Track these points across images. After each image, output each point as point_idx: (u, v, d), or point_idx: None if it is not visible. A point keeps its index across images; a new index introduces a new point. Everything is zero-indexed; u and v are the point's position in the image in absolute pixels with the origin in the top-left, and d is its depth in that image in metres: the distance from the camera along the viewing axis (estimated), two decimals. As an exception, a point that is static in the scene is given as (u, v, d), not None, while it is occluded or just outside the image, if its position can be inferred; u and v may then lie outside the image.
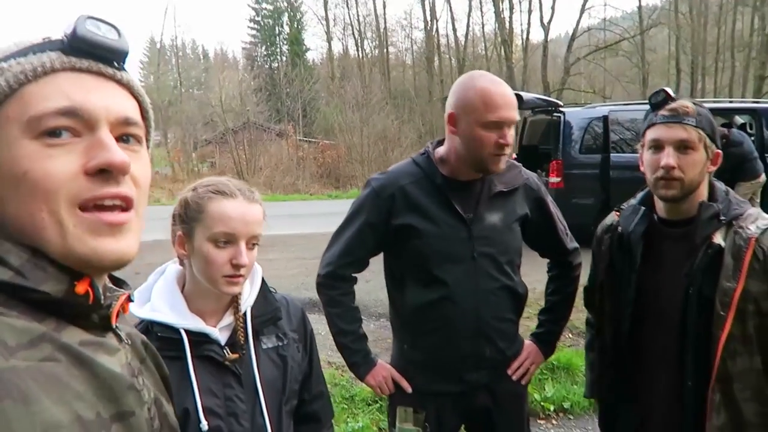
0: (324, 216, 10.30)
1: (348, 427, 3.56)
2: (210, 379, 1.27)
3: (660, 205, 1.67)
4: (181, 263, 1.36)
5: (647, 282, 1.66)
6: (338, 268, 1.91)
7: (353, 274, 1.96)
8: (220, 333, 1.31)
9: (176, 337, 1.25)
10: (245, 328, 1.33)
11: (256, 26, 41.63)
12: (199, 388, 1.24)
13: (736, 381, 1.51)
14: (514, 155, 9.54)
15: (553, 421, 3.92)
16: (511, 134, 1.74)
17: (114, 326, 0.69)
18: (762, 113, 8.22)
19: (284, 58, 38.29)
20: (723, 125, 8.31)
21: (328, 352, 4.33)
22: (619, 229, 1.75)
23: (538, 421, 3.90)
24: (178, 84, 32.69)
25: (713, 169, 1.61)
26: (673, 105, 1.57)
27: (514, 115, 1.73)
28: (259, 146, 22.98)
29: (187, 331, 1.26)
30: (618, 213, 1.80)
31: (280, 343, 1.39)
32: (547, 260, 2.15)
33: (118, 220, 0.63)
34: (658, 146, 1.58)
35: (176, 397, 1.18)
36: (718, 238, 1.53)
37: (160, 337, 1.24)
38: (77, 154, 0.61)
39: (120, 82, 0.66)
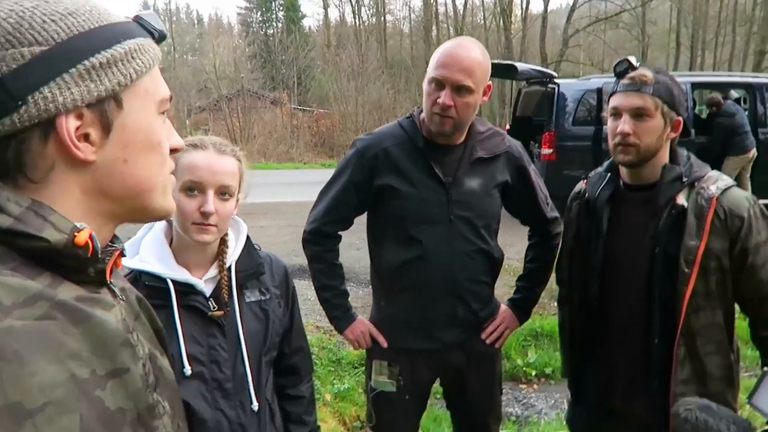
0: (317, 184, 10.16)
1: (334, 389, 3.65)
2: (194, 328, 1.33)
3: (624, 171, 1.72)
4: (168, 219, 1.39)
5: (614, 246, 1.71)
6: (323, 225, 1.96)
7: (338, 232, 2.01)
8: (205, 285, 1.37)
9: (163, 287, 1.31)
10: (229, 282, 1.39)
11: (251, -9, 40.87)
12: (183, 336, 1.29)
13: (699, 335, 1.58)
14: (507, 126, 9.54)
15: (535, 386, 4.02)
16: (463, 99, 1.72)
17: (109, 281, 0.71)
18: (757, 88, 8.19)
19: (280, 25, 37.72)
20: (722, 98, 8.30)
21: (316, 317, 4.41)
22: (586, 195, 1.79)
23: (520, 385, 4.01)
24: (172, 49, 32.22)
25: (674, 136, 1.64)
26: (632, 74, 1.61)
27: (460, 78, 1.70)
28: (253, 114, 22.76)
29: (173, 281, 1.32)
30: (586, 181, 1.84)
31: (263, 298, 1.45)
32: (528, 228, 2.20)
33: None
34: (616, 114, 1.63)
35: None
36: (681, 199, 1.58)
37: (147, 286, 1.29)
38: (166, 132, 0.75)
39: None
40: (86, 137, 0.64)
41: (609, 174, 1.76)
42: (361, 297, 4.88)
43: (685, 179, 1.59)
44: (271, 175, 13.62)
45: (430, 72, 1.75)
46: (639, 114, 1.59)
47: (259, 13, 40.51)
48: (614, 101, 1.64)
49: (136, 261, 1.33)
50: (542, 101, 8.62)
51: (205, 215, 1.30)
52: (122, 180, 0.69)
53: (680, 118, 1.62)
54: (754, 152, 7.47)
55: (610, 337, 1.78)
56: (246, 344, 1.37)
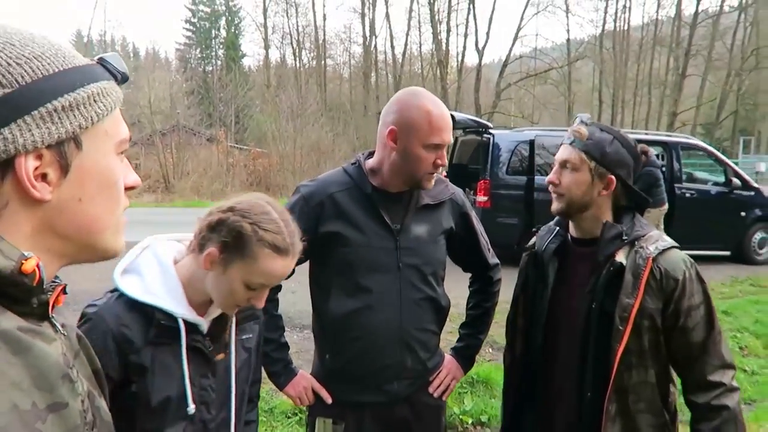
0: (252, 224, 10.09)
1: (266, 440, 3.49)
2: (192, 368, 1.30)
3: (571, 225, 1.78)
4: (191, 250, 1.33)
5: (558, 298, 1.75)
6: None
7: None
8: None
9: (175, 326, 1.27)
10: (230, 332, 1.39)
11: (191, 28, 40.64)
12: (190, 377, 1.27)
13: (631, 392, 1.60)
14: (444, 173, 9.75)
15: (471, 434, 3.99)
16: (445, 154, 1.81)
17: (51, 316, 0.71)
18: (672, 146, 8.81)
19: (219, 63, 37.54)
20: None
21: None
22: (535, 247, 1.83)
23: (456, 433, 3.97)
24: (105, 81, 31.22)
25: (606, 193, 1.68)
26: (571, 128, 1.71)
27: (451, 136, 1.81)
28: (188, 150, 22.30)
29: (184, 321, 1.28)
30: (536, 234, 1.89)
31: (247, 336, 1.46)
32: (469, 275, 2.22)
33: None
34: (556, 164, 1.72)
35: (159, 383, 1.23)
36: (621, 257, 1.62)
37: (161, 325, 1.25)
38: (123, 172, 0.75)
39: None
40: (44, 176, 0.65)
41: (558, 228, 1.81)
42: (296, 342, 4.76)
43: (625, 237, 1.64)
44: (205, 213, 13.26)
45: (428, 138, 1.74)
46: (565, 165, 1.68)
47: (198, 50, 40.21)
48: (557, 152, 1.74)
49: (141, 291, 1.26)
50: (477, 150, 8.91)
51: (253, 306, 1.36)
52: (75, 218, 0.69)
53: (612, 177, 1.66)
54: (666, 206, 7.92)
55: (549, 388, 1.79)
56: (235, 383, 1.37)
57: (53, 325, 0.71)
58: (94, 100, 0.68)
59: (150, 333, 1.24)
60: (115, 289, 1.28)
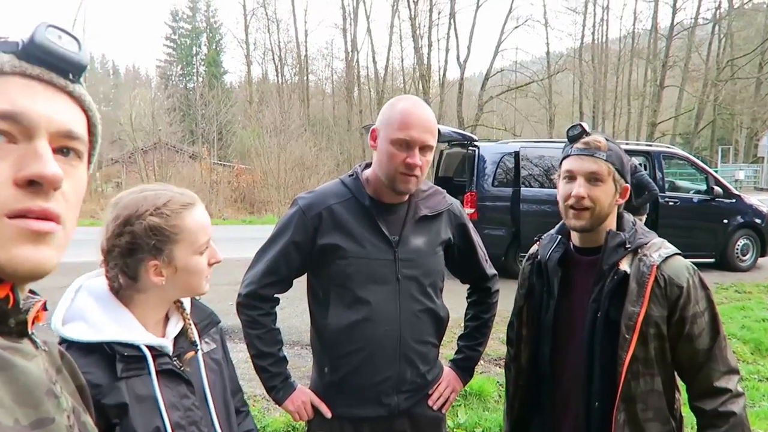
0: (238, 241, 10.00)
1: (258, 460, 3.42)
2: (169, 393, 1.24)
3: (574, 234, 1.76)
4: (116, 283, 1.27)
5: (563, 308, 1.73)
6: (260, 288, 1.86)
7: (276, 295, 1.91)
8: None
9: (138, 354, 1.21)
10: (193, 332, 1.35)
11: (172, 45, 40.63)
12: (165, 406, 1.21)
13: (639, 401, 1.59)
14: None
15: (465, 448, 3.95)
16: (426, 158, 1.75)
17: (30, 332, 0.68)
18: (655, 156, 8.92)
19: (201, 79, 37.50)
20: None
21: (240, 382, 4.19)
22: (538, 257, 1.82)
23: (451, 448, 3.92)
24: (85, 99, 31.02)
25: (621, 201, 1.70)
26: (586, 139, 1.66)
27: (427, 138, 1.74)
28: (171, 168, 22.15)
29: (147, 346, 1.22)
30: (538, 242, 1.87)
31: (212, 348, 1.42)
32: (467, 286, 2.20)
33: (44, 229, 0.61)
34: (571, 177, 1.66)
35: (144, 416, 1.17)
36: (625, 265, 1.61)
37: (126, 357, 1.18)
38: (10, 162, 0.59)
39: (71, 95, 0.66)
40: None
41: (560, 237, 1.79)
42: (289, 357, 4.68)
43: (628, 245, 1.63)
44: (189, 230, 13.12)
45: (394, 133, 1.72)
46: (593, 178, 1.63)
47: (179, 67, 40.16)
48: (568, 164, 1.67)
49: (90, 332, 1.18)
50: (463, 163, 8.95)
51: (214, 264, 1.33)
52: None
53: (627, 185, 1.67)
54: (645, 216, 8.00)
55: (556, 399, 1.77)
56: (213, 397, 1.33)
57: (33, 342, 0.68)
58: None
59: (117, 369, 1.17)
60: (62, 341, 1.18)
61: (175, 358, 1.28)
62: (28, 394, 0.61)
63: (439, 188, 1.99)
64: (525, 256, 1.92)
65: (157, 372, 1.22)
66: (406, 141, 1.71)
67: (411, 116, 1.72)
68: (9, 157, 0.59)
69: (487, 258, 2.11)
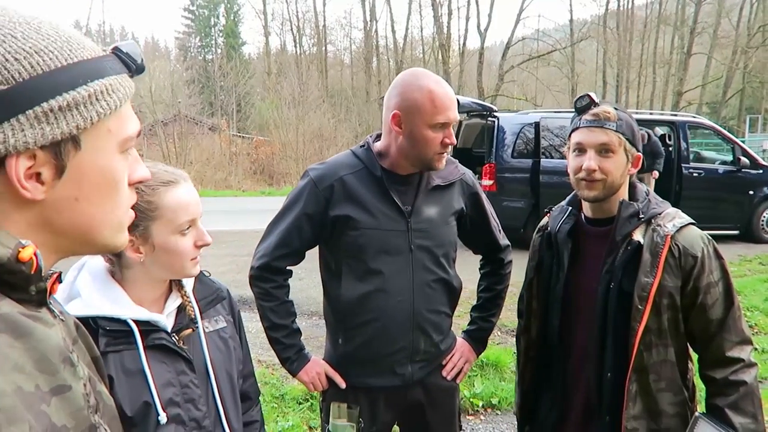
0: (257, 213, 10.11)
1: (278, 426, 3.50)
2: (164, 369, 1.24)
3: (585, 205, 1.74)
4: (109, 260, 1.29)
5: (574, 279, 1.72)
6: (273, 260, 1.86)
7: (288, 267, 1.92)
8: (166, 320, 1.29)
9: (125, 329, 1.21)
10: (193, 309, 1.33)
11: (190, 16, 40.46)
12: (154, 381, 1.22)
13: (651, 371, 1.59)
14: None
15: (482, 417, 3.99)
16: (452, 132, 1.78)
17: (48, 302, 0.70)
18: (680, 126, 8.73)
19: (219, 51, 37.38)
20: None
21: (258, 351, 4.25)
22: (548, 229, 1.80)
23: (467, 416, 3.97)
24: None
25: (634, 171, 1.67)
26: (595, 110, 1.63)
27: (457, 114, 1.77)
28: (190, 140, 22.27)
29: (135, 321, 1.23)
30: (548, 214, 1.85)
31: (221, 326, 1.40)
32: (480, 257, 2.19)
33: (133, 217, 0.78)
34: (581, 149, 1.64)
35: (132, 390, 1.18)
36: (638, 236, 1.59)
37: (108, 332, 1.20)
38: (127, 168, 0.73)
39: None
40: (38, 175, 0.63)
41: (570, 208, 1.78)
42: (304, 329, 4.72)
43: (642, 216, 1.61)
44: (209, 202, 13.27)
45: (433, 118, 1.71)
46: (604, 150, 1.61)
47: (198, 38, 40.07)
48: (578, 137, 1.65)
49: (81, 306, 1.20)
50: (482, 134, 8.86)
51: (202, 246, 1.29)
52: (71, 217, 0.68)
53: (639, 154, 1.65)
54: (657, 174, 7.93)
55: (567, 370, 1.77)
56: (215, 375, 1.32)
57: (51, 311, 0.70)
58: (97, 99, 0.65)
59: (100, 343, 1.17)
60: None
61: (174, 335, 1.28)
62: (47, 361, 0.62)
63: (452, 158, 1.97)
64: None
65: (145, 347, 1.22)
66: (445, 124, 1.73)
67: (444, 98, 1.73)
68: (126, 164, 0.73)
69: (500, 228, 2.10)
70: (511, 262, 2.13)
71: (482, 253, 2.16)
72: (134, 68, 0.71)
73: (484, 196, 2.03)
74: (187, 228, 1.27)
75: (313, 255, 1.97)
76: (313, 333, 4.81)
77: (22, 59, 0.60)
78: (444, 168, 1.87)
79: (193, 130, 23.04)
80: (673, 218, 1.60)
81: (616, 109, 1.63)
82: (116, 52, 0.70)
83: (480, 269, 2.18)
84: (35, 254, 0.63)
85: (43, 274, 0.66)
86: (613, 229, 1.63)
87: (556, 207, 1.85)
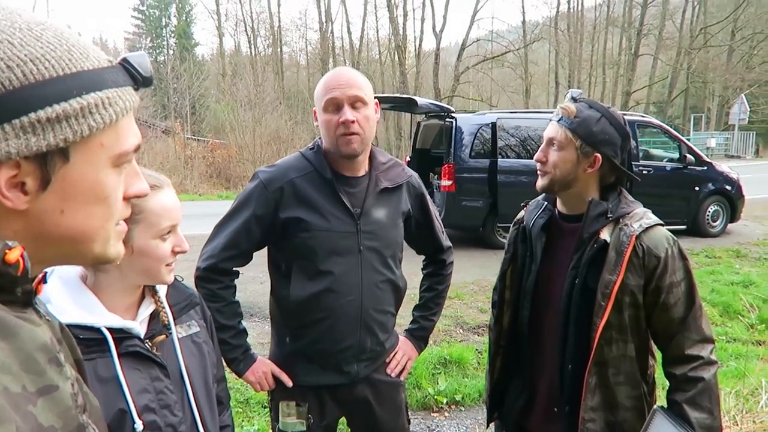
0: (214, 216, 9.84)
1: (243, 431, 3.47)
2: (138, 375, 1.23)
3: (559, 201, 1.79)
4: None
5: (545, 272, 1.78)
6: (220, 261, 1.86)
7: (235, 268, 1.92)
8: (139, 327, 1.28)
9: (98, 336, 1.20)
10: (167, 315, 1.32)
11: (140, 16, 39.48)
12: (129, 388, 1.20)
13: (610, 366, 1.64)
14: (407, 158, 9.78)
15: (446, 414, 4.05)
16: (361, 113, 1.76)
17: (34, 302, 0.69)
18: (630, 125, 8.98)
19: (171, 52, 36.57)
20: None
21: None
22: (524, 222, 1.86)
23: (432, 414, 4.02)
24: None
25: (591, 171, 1.68)
26: (561, 105, 1.70)
27: (353, 92, 1.75)
28: (143, 143, 21.66)
29: (108, 329, 1.21)
30: (525, 208, 1.91)
31: (194, 331, 1.39)
32: (422, 258, 2.25)
33: (126, 229, 0.76)
34: (546, 141, 1.72)
35: (106, 398, 1.15)
36: (605, 234, 1.64)
37: (82, 340, 1.15)
38: (123, 182, 0.72)
39: None
40: (22, 185, 0.62)
41: (546, 203, 1.83)
42: (267, 332, 4.71)
43: (610, 215, 1.65)
44: (165, 207, 12.93)
45: (321, 100, 1.77)
46: (551, 143, 1.69)
47: (149, 39, 39.11)
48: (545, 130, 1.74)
49: (52, 313, 1.18)
50: (440, 135, 8.93)
51: (179, 253, 1.29)
52: (57, 229, 0.66)
53: (598, 155, 1.66)
54: None
55: (534, 360, 1.83)
56: (190, 380, 1.31)
57: (37, 312, 0.70)
58: (90, 112, 0.63)
59: None
60: None
61: (147, 341, 1.27)
62: (33, 361, 0.62)
63: (398, 160, 2.03)
64: (502, 227, 1.96)
65: (119, 354, 1.21)
66: (334, 101, 1.75)
67: (331, 79, 1.78)
68: (123, 177, 0.71)
69: (443, 230, 2.17)
70: (452, 263, 2.20)
71: (425, 253, 2.22)
72: (140, 81, 0.69)
73: (429, 198, 2.09)
74: (168, 233, 1.26)
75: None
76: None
77: (15, 67, 0.58)
78: (390, 169, 1.93)
79: (146, 134, 22.45)
80: (640, 218, 1.65)
81: (590, 107, 1.67)
82: (124, 63, 0.68)
83: (423, 269, 2.24)
84: (22, 256, 0.62)
85: (29, 275, 0.65)
86: (581, 226, 1.67)
87: (532, 201, 1.90)
